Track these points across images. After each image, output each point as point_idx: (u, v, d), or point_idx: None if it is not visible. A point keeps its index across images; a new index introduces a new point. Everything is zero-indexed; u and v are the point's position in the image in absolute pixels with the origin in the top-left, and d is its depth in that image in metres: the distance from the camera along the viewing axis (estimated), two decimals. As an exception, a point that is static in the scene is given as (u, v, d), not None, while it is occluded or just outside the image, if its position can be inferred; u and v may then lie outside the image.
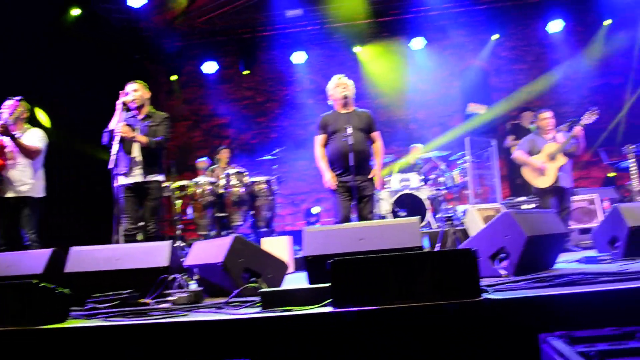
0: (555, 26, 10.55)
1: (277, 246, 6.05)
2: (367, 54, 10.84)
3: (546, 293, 2.56)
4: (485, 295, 2.56)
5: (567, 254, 5.16)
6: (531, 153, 6.08)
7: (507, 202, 6.67)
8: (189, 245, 5.65)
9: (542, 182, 5.89)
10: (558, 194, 5.90)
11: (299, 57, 10.65)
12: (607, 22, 10.62)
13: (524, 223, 3.57)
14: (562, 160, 5.85)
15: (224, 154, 8.60)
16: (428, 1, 10.09)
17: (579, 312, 2.48)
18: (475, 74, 10.93)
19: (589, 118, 5.81)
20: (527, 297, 2.52)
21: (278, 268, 3.91)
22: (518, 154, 6.15)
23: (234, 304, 3.04)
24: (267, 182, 7.59)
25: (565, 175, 5.90)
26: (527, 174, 6.06)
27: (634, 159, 7.16)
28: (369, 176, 5.27)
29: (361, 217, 5.14)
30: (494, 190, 8.96)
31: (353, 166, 4.99)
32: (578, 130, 5.79)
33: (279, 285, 3.74)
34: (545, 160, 5.91)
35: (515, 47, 11.12)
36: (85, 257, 3.88)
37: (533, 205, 6.33)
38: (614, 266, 3.62)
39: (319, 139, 5.41)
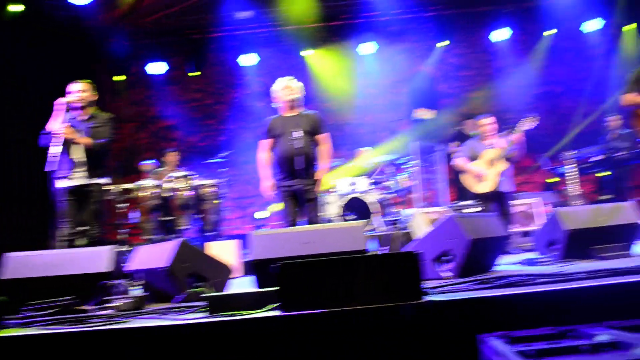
0: (501, 35, 10.91)
1: (225, 250, 5.99)
2: (317, 58, 10.90)
3: (487, 294, 2.63)
4: (427, 297, 2.61)
5: (508, 256, 5.31)
6: (472, 159, 6.21)
7: (453, 206, 6.81)
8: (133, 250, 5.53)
9: (482, 187, 6.02)
10: (498, 199, 6.05)
11: (248, 60, 10.61)
12: (550, 32, 11.04)
13: (467, 226, 3.65)
14: (502, 165, 5.99)
15: (171, 157, 8.45)
16: (378, 7, 10.23)
17: (518, 312, 2.55)
18: (423, 80, 11.14)
19: (528, 124, 5.96)
20: (468, 298, 2.58)
21: (222, 272, 3.87)
22: (458, 160, 6.28)
23: (179, 309, 2.99)
24: (215, 185, 7.51)
25: (505, 180, 6.04)
26: (467, 180, 6.19)
27: (571, 165, 7.44)
28: (314, 178, 5.27)
29: (308, 221, 5.14)
30: (440, 194, 9.14)
31: (298, 170, 4.98)
32: (518, 136, 5.95)
33: (222, 290, 3.71)
34: (485, 166, 6.04)
35: (462, 54, 11.39)
36: (22, 263, 3.73)
37: (478, 209, 6.47)
38: (553, 268, 3.74)
39: (263, 143, 5.38)
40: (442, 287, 2.98)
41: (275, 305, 2.60)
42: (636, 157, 8.11)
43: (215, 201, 7.43)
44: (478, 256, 3.82)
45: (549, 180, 9.53)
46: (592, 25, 10.91)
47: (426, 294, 2.70)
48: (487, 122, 6.28)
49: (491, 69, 11.27)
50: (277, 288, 2.54)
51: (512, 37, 11.04)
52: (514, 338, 2.08)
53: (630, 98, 4.74)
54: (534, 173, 9.95)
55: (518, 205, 7.35)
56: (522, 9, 10.82)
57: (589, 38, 11.14)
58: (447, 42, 10.96)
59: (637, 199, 9.25)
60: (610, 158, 8.30)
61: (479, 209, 6.34)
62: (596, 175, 9.05)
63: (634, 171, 9.63)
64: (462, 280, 3.26)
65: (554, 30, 10.99)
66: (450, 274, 3.62)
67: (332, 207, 7.92)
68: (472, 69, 11.36)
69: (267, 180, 5.25)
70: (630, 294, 2.60)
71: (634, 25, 10.91)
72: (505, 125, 6.72)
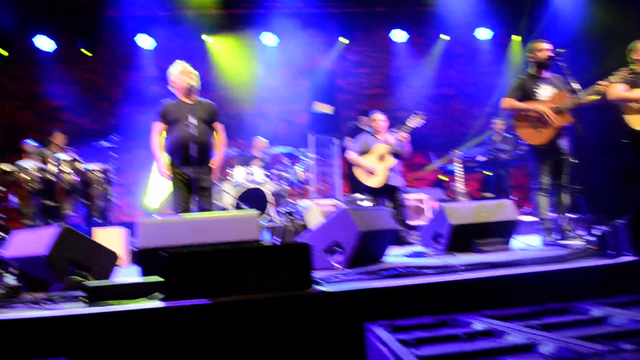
0: (399, 36, 11.24)
1: (112, 238, 5.72)
2: (217, 45, 10.66)
3: (374, 285, 2.69)
4: (318, 288, 2.62)
5: (396, 249, 5.49)
6: (363, 153, 6.33)
7: (347, 199, 6.93)
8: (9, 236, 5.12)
9: (373, 182, 6.17)
10: (389, 193, 6.22)
11: (145, 42, 10.17)
12: (445, 37, 11.54)
13: (359, 219, 3.72)
14: (390, 161, 6.15)
15: (57, 138, 7.93)
16: (281, -1, 10.22)
17: (403, 302, 2.63)
18: (322, 75, 11.24)
19: (415, 121, 6.16)
20: (357, 288, 2.63)
21: (108, 260, 3.69)
22: (350, 154, 6.39)
23: (55, 299, 2.81)
24: (104, 170, 7.13)
25: (395, 175, 6.21)
26: (359, 174, 6.31)
27: (459, 163, 7.81)
28: (210, 167, 5.15)
29: (200, 209, 5.02)
30: (335, 187, 9.29)
31: (193, 157, 4.83)
32: (404, 134, 6.13)
33: (107, 278, 3.53)
34: (375, 161, 6.19)
35: (362, 52, 11.61)
36: None
37: (371, 203, 6.62)
38: (437, 260, 3.91)
39: (157, 126, 5.18)
40: (332, 277, 3.02)
41: (159, 295, 2.51)
42: (517, 158, 8.66)
43: (103, 187, 7.06)
44: (368, 248, 3.91)
45: (440, 177, 9.96)
46: (484, 34, 11.56)
47: (317, 283, 2.72)
48: (380, 118, 6.44)
49: (389, 68, 11.59)
50: (163, 278, 2.45)
51: (409, 39, 11.43)
52: (397, 327, 2.15)
53: (510, 103, 5.04)
54: (430, 171, 10.37)
55: (408, 200, 7.61)
56: (418, 12, 11.22)
57: (481, 45, 11.78)
58: (346, 41, 11.14)
59: (517, 197, 9.93)
60: (493, 159, 8.81)
61: (371, 202, 6.48)
62: (484, 173, 9.59)
63: (515, 172, 10.31)
64: (351, 270, 3.32)
65: (447, 38, 11.50)
66: (339, 265, 3.67)
67: (227, 197, 7.81)
68: (371, 67, 11.62)
69: (164, 161, 5.06)
70: (505, 285, 2.77)
71: (519, 37, 11.69)
72: (395, 122, 6.93)
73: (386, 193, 6.22)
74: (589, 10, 9.40)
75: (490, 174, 9.17)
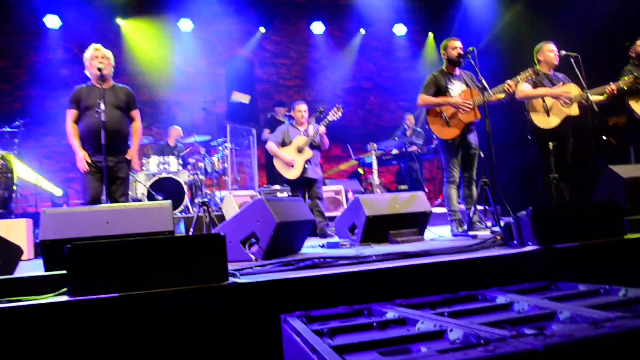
0: (318, 28, 11.29)
1: (14, 230, 5.38)
2: (131, 28, 10.24)
3: (290, 276, 2.68)
4: (233, 279, 2.59)
5: (314, 240, 5.53)
6: (284, 144, 6.30)
7: (264, 190, 6.88)
8: None
9: (291, 173, 6.15)
10: (307, 185, 6.22)
11: (52, 21, 9.61)
12: (362, 31, 11.72)
13: (275, 209, 3.70)
14: (309, 153, 6.14)
15: (-50, 122, 7.36)
16: (198, -17, 9.98)
17: (318, 292, 2.65)
18: (241, 64, 11.10)
19: (334, 114, 6.21)
20: (272, 280, 2.61)
21: (11, 253, 3.46)
22: (270, 145, 6.34)
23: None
24: (5, 157, 6.70)
25: (313, 167, 6.20)
26: (278, 165, 6.28)
27: (374, 157, 7.96)
28: (126, 157, 4.94)
29: (112, 200, 4.81)
30: (252, 177, 9.22)
31: (105, 145, 4.60)
32: (321, 128, 6.14)
33: (12, 273, 3.31)
34: (294, 153, 6.18)
35: (281, 42, 11.57)
36: None
37: (286, 194, 6.62)
38: (352, 251, 3.97)
39: (71, 113, 4.88)
40: (248, 268, 2.98)
41: (64, 290, 2.38)
42: (429, 152, 8.95)
43: (5, 175, 6.64)
44: (285, 239, 3.90)
45: (358, 170, 10.12)
46: (401, 29, 11.84)
47: (232, 275, 2.68)
48: (302, 109, 6.41)
49: (308, 60, 11.62)
50: (67, 271, 2.32)
51: (328, 31, 11.52)
52: (312, 317, 2.15)
53: (425, 99, 5.19)
54: (348, 164, 10.50)
55: (326, 191, 7.68)
56: (337, 5, 11.33)
57: (398, 40, 12.06)
58: (263, 30, 11.06)
59: (429, 189, 10.27)
60: (407, 152, 9.06)
61: (289, 193, 6.48)
62: (398, 165, 9.85)
63: (428, 165, 10.67)
64: (267, 262, 3.30)
65: (365, 32, 11.69)
66: (255, 256, 3.64)
67: (140, 186, 7.56)
68: (290, 58, 11.60)
69: (81, 151, 4.77)
70: (417, 275, 2.84)
71: (434, 34, 12.09)
72: (313, 114, 6.95)
73: (305, 185, 6.22)
74: (500, 13, 9.85)
75: (406, 165, 9.42)
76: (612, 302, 2.05)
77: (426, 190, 9.52)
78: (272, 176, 8.91)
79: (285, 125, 6.51)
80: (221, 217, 6.37)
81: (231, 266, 2.98)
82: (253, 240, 3.68)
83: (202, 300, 2.43)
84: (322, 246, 4.63)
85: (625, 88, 5.38)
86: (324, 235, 5.95)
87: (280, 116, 8.76)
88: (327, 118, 6.16)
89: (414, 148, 9.05)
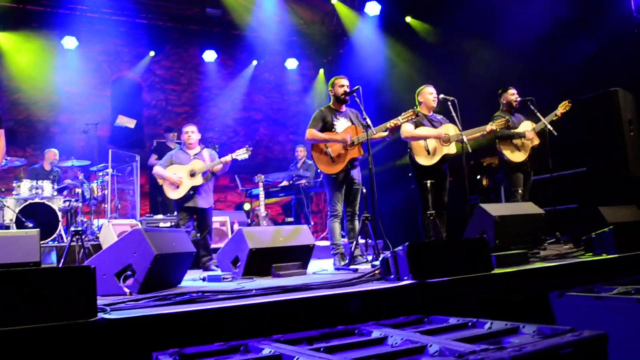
0: (210, 56, 11.21)
1: None
2: (9, 42, 9.58)
3: (165, 311, 2.57)
4: (102, 315, 2.43)
5: (195, 272, 5.37)
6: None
7: (145, 219, 6.61)
8: None
9: (175, 194, 5.75)
10: (197, 214, 5.96)
11: None
12: (255, 62, 11.80)
13: (154, 240, 3.56)
14: (199, 180, 5.89)
15: None
16: (85, 1, 9.57)
17: (195, 328, 2.56)
18: (128, 87, 10.75)
19: (242, 154, 5.97)
20: (145, 315, 2.49)
21: None
22: (156, 169, 6.02)
23: None
24: None
25: (204, 195, 5.98)
26: (166, 187, 5.96)
27: (262, 188, 7.95)
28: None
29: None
30: (134, 206, 8.85)
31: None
32: (228, 157, 5.91)
33: None
34: (184, 174, 5.89)
35: (172, 67, 11.37)
36: None
37: (169, 224, 6.39)
38: (233, 284, 3.89)
39: None
40: (120, 303, 2.83)
41: None
42: (317, 185, 9.08)
43: None
44: (163, 272, 3.75)
45: (244, 201, 10.05)
46: (293, 63, 12.05)
47: (102, 311, 2.52)
48: (191, 130, 6.14)
49: (198, 87, 11.49)
50: None
51: (220, 60, 11.49)
52: (185, 355, 2.07)
53: (312, 134, 5.28)
54: (237, 194, 10.40)
55: (213, 223, 7.53)
56: (230, 35, 11.33)
57: (290, 74, 12.26)
58: (153, 54, 10.82)
59: (315, 222, 10.40)
60: (295, 185, 9.13)
61: (170, 224, 6.22)
62: (285, 197, 9.89)
63: (315, 198, 10.82)
64: (142, 296, 3.15)
65: (255, 63, 11.79)
66: (129, 290, 3.46)
67: (7, 212, 6.98)
68: (180, 84, 11.42)
69: None
70: (297, 309, 2.83)
71: (322, 70, 12.45)
72: (206, 143, 6.77)
73: (194, 214, 5.99)
74: (386, 56, 10.35)
75: (292, 198, 9.50)
76: (479, 334, 2.16)
77: (312, 223, 9.63)
78: (155, 205, 8.61)
79: (175, 150, 6.23)
80: (98, 247, 6.04)
81: (102, 300, 2.82)
82: (129, 272, 3.50)
83: (67, 338, 2.26)
84: (203, 279, 4.51)
85: (498, 130, 5.82)
86: (206, 269, 5.78)
87: (171, 143, 8.53)
88: (232, 154, 5.95)
89: (302, 181, 9.14)
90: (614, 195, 6.03)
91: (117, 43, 10.42)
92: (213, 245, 6.15)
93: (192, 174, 5.92)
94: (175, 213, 6.06)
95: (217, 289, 3.33)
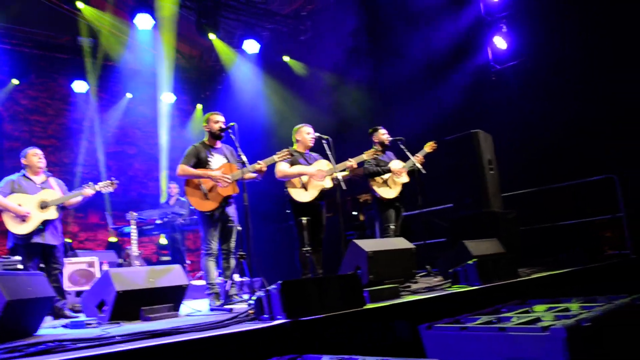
0: (80, 86, 10.67)
1: None
2: None
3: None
4: None
5: (55, 320, 4.97)
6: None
7: (2, 261, 5.98)
8: None
9: (22, 228, 5.05)
10: (45, 252, 5.37)
11: None
12: (129, 95, 11.40)
13: (6, 285, 3.25)
14: (54, 214, 5.35)
15: None
16: None
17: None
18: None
19: (106, 187, 5.64)
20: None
21: None
22: None
23: None
24: None
25: (52, 230, 5.40)
26: (6, 219, 5.27)
27: (134, 226, 7.59)
28: None
29: None
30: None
31: None
32: (90, 190, 5.53)
33: None
34: (33, 206, 5.30)
35: (38, 97, 10.68)
36: None
37: (20, 266, 5.75)
38: (97, 330, 3.63)
39: None
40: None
41: None
42: (192, 223, 8.84)
43: None
44: (17, 319, 3.42)
45: (112, 239, 9.54)
46: (169, 97, 11.77)
47: None
48: (36, 153, 5.54)
49: (68, 120, 10.87)
50: None
51: (92, 92, 10.95)
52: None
53: (184, 170, 5.13)
54: (106, 231, 9.84)
55: (78, 262, 7.04)
56: (102, 66, 10.88)
57: (166, 108, 11.95)
58: (16, 82, 10.12)
59: (191, 260, 10.11)
60: (170, 222, 8.84)
61: (20, 266, 5.50)
62: (160, 235, 9.52)
63: (191, 235, 10.53)
64: (-11, 349, 2.84)
65: (129, 96, 11.42)
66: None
67: None
68: (46, 115, 10.74)
69: None
70: (166, 355, 2.68)
71: (200, 106, 12.35)
72: (78, 179, 6.35)
73: (42, 252, 5.36)
74: (264, 92, 10.48)
75: (165, 241, 9.18)
76: (349, 372, 2.16)
77: (188, 261, 9.36)
78: (12, 246, 7.91)
79: (16, 176, 5.48)
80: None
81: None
82: (-26, 322, 3.15)
83: None
84: (65, 326, 4.17)
85: (369, 160, 6.08)
86: (61, 315, 5.16)
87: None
88: (95, 185, 5.57)
89: (179, 219, 8.86)
90: (478, 229, 6.42)
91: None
92: (79, 288, 5.72)
93: (44, 206, 5.33)
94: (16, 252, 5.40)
95: (78, 336, 3.08)
